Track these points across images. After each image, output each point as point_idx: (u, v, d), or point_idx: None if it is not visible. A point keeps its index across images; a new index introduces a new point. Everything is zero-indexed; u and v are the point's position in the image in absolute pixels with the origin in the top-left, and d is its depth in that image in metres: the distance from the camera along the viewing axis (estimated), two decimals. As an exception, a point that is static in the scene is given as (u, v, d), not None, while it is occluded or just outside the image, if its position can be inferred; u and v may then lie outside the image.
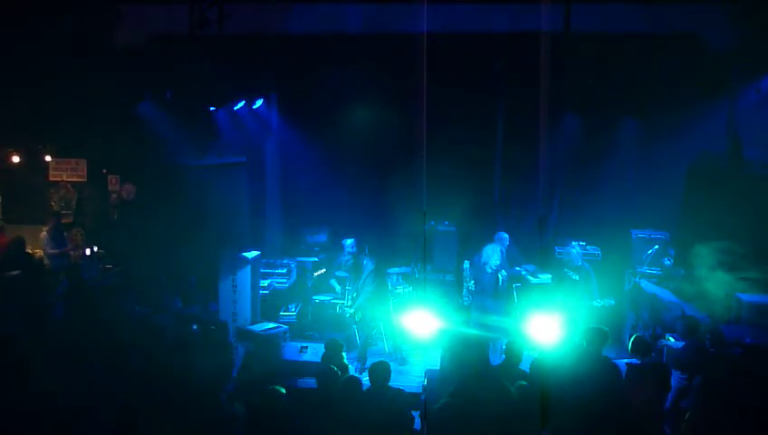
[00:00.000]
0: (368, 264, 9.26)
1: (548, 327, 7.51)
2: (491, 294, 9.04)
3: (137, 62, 10.47)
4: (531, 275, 10.51)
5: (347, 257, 9.59)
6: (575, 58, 9.85)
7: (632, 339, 6.89)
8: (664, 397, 6.56)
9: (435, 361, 8.80)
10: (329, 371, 6.29)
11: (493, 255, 9.03)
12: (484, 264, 9.04)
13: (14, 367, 6.03)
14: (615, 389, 6.39)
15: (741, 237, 9.37)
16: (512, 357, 6.71)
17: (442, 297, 10.40)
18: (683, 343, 7.31)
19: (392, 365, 6.38)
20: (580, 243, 10.62)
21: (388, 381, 6.16)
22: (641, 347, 6.71)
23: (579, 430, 5.80)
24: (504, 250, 9.38)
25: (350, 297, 9.40)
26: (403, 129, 10.83)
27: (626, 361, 8.27)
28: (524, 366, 6.80)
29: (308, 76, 11.01)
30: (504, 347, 7.09)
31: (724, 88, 10.23)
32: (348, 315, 9.35)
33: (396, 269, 10.57)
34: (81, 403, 5.57)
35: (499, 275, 9.03)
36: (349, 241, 10.64)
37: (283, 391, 5.62)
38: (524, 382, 6.19)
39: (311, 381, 6.64)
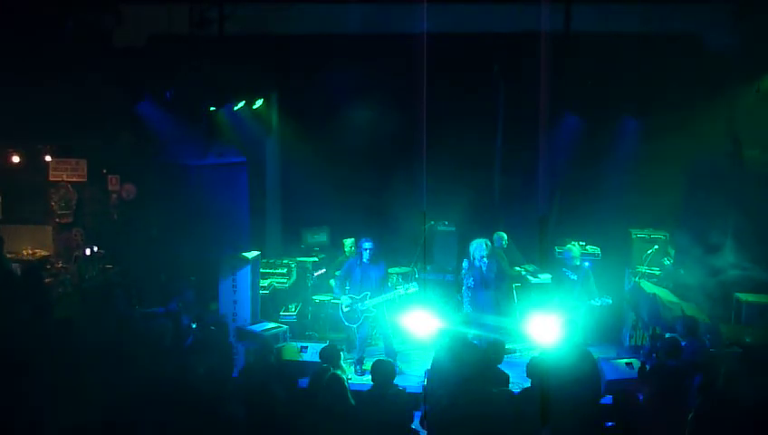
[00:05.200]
0: (381, 267, 9.27)
1: (547, 327, 7.53)
2: (482, 288, 9.15)
3: (137, 62, 10.47)
4: (531, 275, 10.51)
5: (360, 258, 9.39)
6: (575, 58, 9.85)
7: (664, 340, 6.91)
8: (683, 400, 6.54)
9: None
10: (320, 370, 6.33)
11: (477, 248, 9.14)
12: (473, 259, 9.17)
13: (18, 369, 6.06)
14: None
15: (741, 237, 9.39)
16: (493, 356, 6.75)
17: (442, 297, 10.39)
18: (683, 343, 7.31)
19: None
20: (581, 243, 10.61)
21: (392, 379, 6.18)
22: (674, 351, 6.70)
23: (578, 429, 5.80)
24: (488, 243, 9.42)
25: (357, 296, 9.24)
26: (403, 129, 10.83)
27: (625, 361, 8.32)
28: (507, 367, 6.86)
29: (308, 76, 11.00)
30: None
31: (724, 88, 10.22)
32: (358, 311, 9.21)
33: (396, 269, 10.57)
34: (78, 403, 5.57)
35: (482, 266, 9.09)
36: (348, 241, 10.65)
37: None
38: (506, 389, 6.24)
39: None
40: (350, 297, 9.12)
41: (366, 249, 9.12)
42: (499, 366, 6.82)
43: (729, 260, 9.33)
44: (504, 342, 7.22)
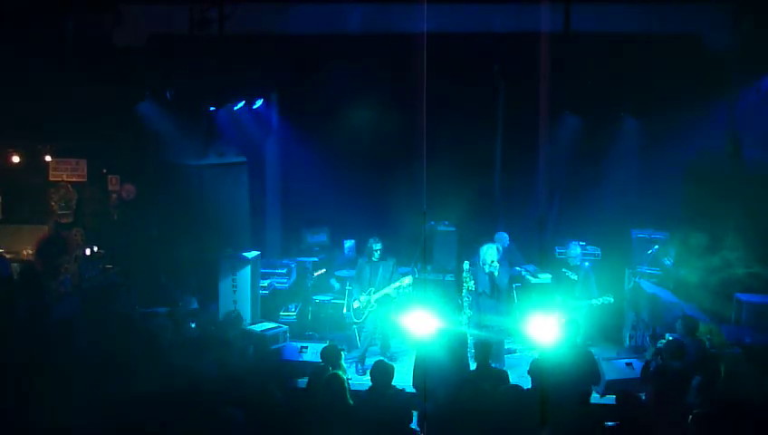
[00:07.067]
0: (389, 263, 9.33)
1: (547, 327, 7.53)
2: (489, 294, 9.02)
3: (137, 62, 10.47)
4: (531, 275, 10.50)
5: (368, 258, 9.43)
6: (575, 58, 9.84)
7: (668, 342, 6.91)
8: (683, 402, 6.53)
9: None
10: (318, 370, 6.32)
11: (488, 252, 8.96)
12: (483, 264, 9.01)
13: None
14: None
15: (741, 237, 9.39)
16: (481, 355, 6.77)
17: (442, 297, 10.38)
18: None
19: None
20: (581, 243, 10.61)
21: (391, 380, 6.19)
22: (678, 352, 6.70)
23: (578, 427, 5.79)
24: (500, 248, 9.39)
25: (361, 293, 9.28)
26: (403, 129, 10.82)
27: (625, 361, 8.31)
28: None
29: (308, 76, 11.00)
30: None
31: (724, 88, 10.22)
32: (359, 308, 9.25)
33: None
34: (78, 404, 5.57)
35: (493, 271, 8.94)
36: (349, 242, 10.65)
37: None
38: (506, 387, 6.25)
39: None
40: (361, 292, 9.23)
41: (375, 250, 9.27)
42: (495, 365, 6.85)
43: (734, 256, 9.34)
44: (491, 343, 7.21)
